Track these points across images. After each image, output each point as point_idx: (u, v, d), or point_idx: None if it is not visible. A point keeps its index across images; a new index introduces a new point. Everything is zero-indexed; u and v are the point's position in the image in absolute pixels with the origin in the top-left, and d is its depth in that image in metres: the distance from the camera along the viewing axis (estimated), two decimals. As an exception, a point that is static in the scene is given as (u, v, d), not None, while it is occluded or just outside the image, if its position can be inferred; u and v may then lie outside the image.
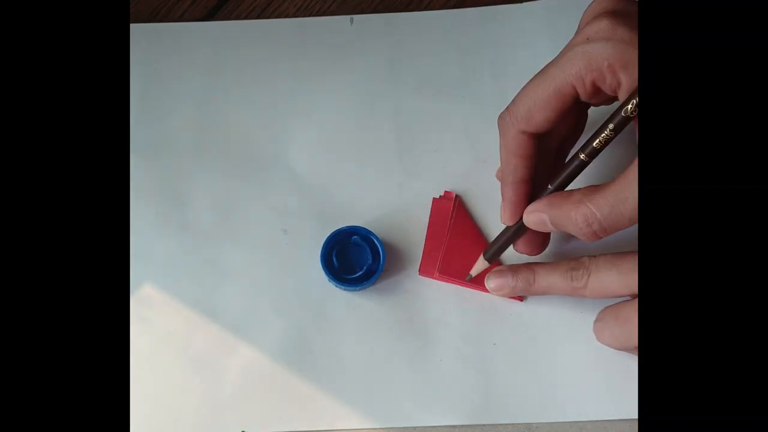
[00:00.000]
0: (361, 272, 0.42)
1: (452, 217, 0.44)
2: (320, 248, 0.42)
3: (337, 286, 0.42)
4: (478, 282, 0.42)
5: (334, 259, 0.42)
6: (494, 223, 0.43)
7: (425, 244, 0.43)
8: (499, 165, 0.39)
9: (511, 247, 0.41)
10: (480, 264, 0.42)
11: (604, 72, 0.33)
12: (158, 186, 0.45)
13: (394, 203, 0.44)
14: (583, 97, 0.35)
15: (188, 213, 0.45)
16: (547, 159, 0.39)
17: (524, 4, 0.49)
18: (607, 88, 0.34)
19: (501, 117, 0.38)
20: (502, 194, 0.39)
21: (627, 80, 0.33)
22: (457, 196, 0.45)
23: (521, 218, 0.38)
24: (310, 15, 0.50)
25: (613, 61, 0.33)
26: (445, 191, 0.45)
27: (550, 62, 0.36)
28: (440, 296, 0.43)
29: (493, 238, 0.42)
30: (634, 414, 0.39)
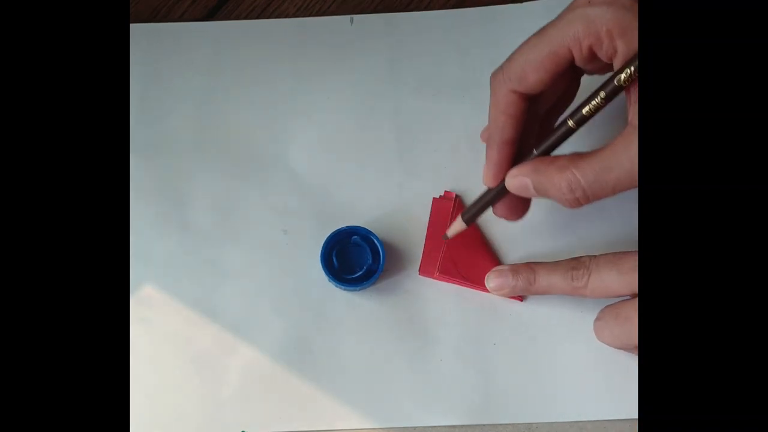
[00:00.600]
0: (361, 272, 0.42)
1: (452, 217, 0.43)
2: (320, 248, 0.42)
3: (337, 286, 0.42)
4: (478, 282, 0.42)
5: (334, 259, 0.42)
6: (494, 223, 0.43)
7: (425, 245, 0.43)
8: (487, 124, 0.39)
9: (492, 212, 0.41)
10: (457, 225, 0.41)
11: (602, 37, 0.33)
12: (158, 186, 0.45)
13: (394, 203, 0.44)
14: (579, 62, 0.35)
15: (188, 213, 0.45)
16: (534, 123, 0.39)
17: (524, 3, 0.49)
18: (603, 55, 0.34)
19: (493, 75, 0.37)
20: (486, 155, 0.38)
21: (623, 48, 0.33)
22: (457, 196, 0.44)
23: (503, 181, 0.38)
24: (310, 15, 0.50)
25: (612, 27, 0.32)
26: (445, 191, 0.45)
27: (549, 23, 0.35)
28: (440, 296, 0.43)
29: (493, 236, 0.41)
30: (634, 414, 0.39)
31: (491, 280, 0.41)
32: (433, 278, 0.43)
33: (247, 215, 0.45)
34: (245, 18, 0.50)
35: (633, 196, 0.43)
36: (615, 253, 0.38)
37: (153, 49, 0.48)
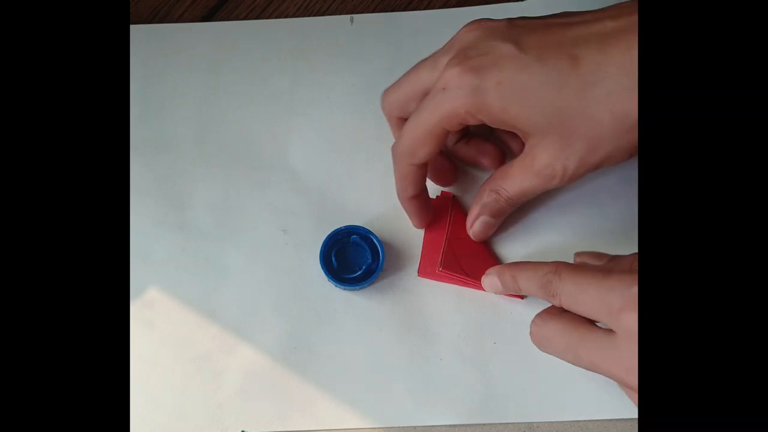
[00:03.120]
0: (360, 272, 0.42)
1: (450, 217, 0.43)
2: (319, 248, 0.42)
3: (336, 286, 0.42)
4: (479, 279, 0.41)
5: (333, 259, 0.42)
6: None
7: (423, 246, 0.43)
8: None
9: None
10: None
11: (465, 116, 0.36)
12: (158, 186, 0.45)
13: (394, 202, 0.44)
14: (456, 129, 0.38)
15: (187, 212, 0.45)
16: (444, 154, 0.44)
17: (525, 1, 0.49)
18: (474, 122, 0.37)
19: (392, 149, 0.40)
20: (403, 207, 0.42)
21: (488, 119, 0.36)
22: (454, 196, 0.44)
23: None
24: (310, 15, 0.50)
25: (469, 109, 0.36)
26: (442, 191, 0.44)
27: (422, 105, 0.38)
28: (440, 295, 0.43)
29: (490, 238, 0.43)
30: (634, 413, 0.39)
31: (484, 281, 0.41)
32: (434, 278, 0.43)
33: (247, 215, 0.45)
34: (245, 18, 0.50)
35: (631, 192, 0.44)
36: (578, 271, 0.35)
37: (153, 50, 0.49)
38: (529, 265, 0.38)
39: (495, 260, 0.43)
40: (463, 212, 0.44)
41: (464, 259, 0.42)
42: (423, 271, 0.43)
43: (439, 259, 0.42)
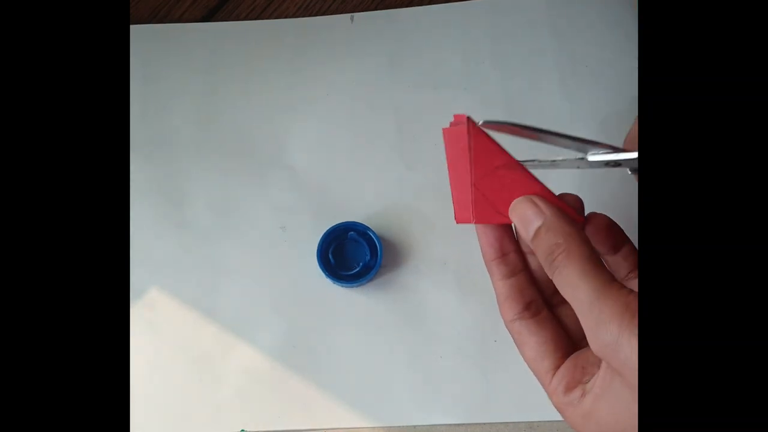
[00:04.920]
0: (358, 268, 0.42)
1: (471, 143, 0.35)
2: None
3: (334, 283, 0.42)
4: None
5: (330, 257, 0.42)
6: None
7: (451, 186, 0.36)
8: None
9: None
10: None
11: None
12: (157, 184, 0.45)
13: (394, 198, 0.44)
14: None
15: (187, 211, 0.45)
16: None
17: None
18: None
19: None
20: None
21: None
22: (469, 117, 0.35)
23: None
24: (310, 15, 0.50)
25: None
26: (455, 115, 0.35)
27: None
28: (440, 292, 0.42)
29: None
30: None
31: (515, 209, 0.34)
32: (473, 223, 0.35)
33: (246, 212, 0.45)
34: (245, 18, 0.50)
35: (631, 190, 0.43)
36: (586, 263, 0.31)
37: (153, 50, 0.49)
38: (554, 223, 0.33)
39: (536, 187, 0.34)
40: (485, 136, 0.35)
41: (499, 195, 0.35)
42: (460, 217, 0.35)
43: (471, 211, 0.35)
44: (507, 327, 0.35)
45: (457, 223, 0.35)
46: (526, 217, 0.33)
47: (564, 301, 0.35)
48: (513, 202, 0.34)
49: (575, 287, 0.30)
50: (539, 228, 0.33)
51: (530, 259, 0.36)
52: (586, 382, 0.32)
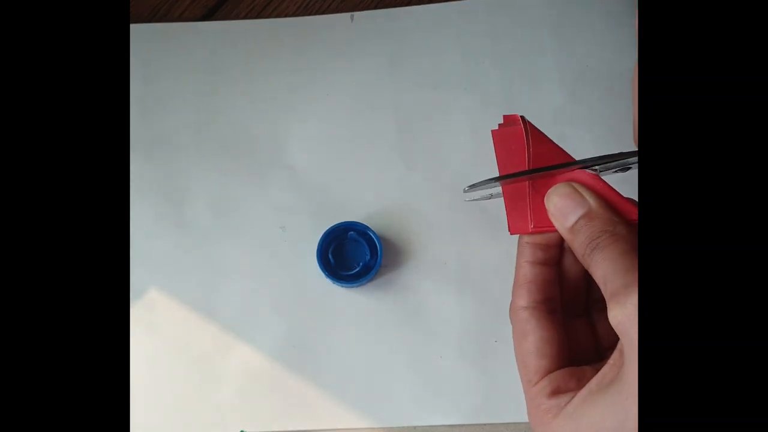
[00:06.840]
0: (358, 268, 0.42)
1: (529, 145, 0.32)
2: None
3: (334, 283, 0.42)
4: None
5: (330, 257, 0.42)
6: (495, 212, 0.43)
7: (504, 195, 0.33)
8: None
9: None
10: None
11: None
12: (158, 185, 0.45)
13: (394, 198, 0.44)
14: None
15: (187, 211, 0.45)
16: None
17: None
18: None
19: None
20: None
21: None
22: (522, 117, 0.33)
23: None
24: (310, 14, 0.50)
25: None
26: (504, 116, 0.33)
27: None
28: (440, 292, 0.42)
29: (499, 228, 0.36)
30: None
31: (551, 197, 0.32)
32: (530, 233, 0.33)
33: (246, 212, 0.45)
34: (245, 17, 0.50)
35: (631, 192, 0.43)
36: (620, 255, 0.31)
37: (153, 49, 0.49)
38: (600, 213, 0.31)
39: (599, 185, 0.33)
40: (542, 135, 0.33)
41: None
42: (514, 227, 0.33)
43: (528, 217, 0.33)
44: (512, 313, 0.33)
45: (511, 234, 0.33)
46: (566, 206, 0.32)
47: (578, 317, 0.35)
48: (551, 188, 0.32)
49: (613, 260, 0.30)
50: (584, 214, 0.31)
51: (565, 261, 0.34)
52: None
